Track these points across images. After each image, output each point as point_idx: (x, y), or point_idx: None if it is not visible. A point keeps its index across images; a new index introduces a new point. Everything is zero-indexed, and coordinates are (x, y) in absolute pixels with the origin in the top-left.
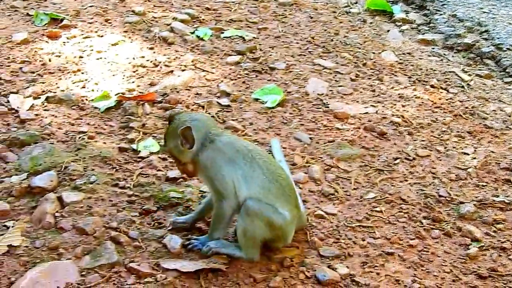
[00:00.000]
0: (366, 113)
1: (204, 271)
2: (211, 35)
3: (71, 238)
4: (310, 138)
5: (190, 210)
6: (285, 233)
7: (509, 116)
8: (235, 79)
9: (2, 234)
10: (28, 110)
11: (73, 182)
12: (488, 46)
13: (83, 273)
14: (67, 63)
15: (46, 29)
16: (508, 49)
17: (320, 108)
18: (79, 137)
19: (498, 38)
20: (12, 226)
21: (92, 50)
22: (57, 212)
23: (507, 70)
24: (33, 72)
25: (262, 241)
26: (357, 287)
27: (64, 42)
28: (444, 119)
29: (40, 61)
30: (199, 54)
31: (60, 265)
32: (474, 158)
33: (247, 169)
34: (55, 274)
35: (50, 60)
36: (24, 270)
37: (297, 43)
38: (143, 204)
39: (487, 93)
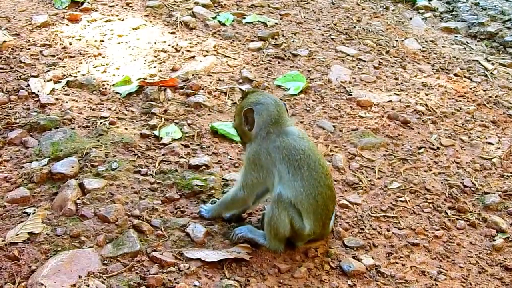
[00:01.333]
0: (390, 101)
1: (227, 260)
2: (233, 21)
3: (93, 226)
4: (334, 126)
5: (213, 197)
6: (299, 238)
7: None
8: (258, 65)
9: (22, 221)
10: (48, 94)
11: (95, 169)
12: None
13: (105, 261)
14: (87, 47)
15: (67, 12)
16: None
17: (343, 95)
18: (100, 123)
19: None
20: (33, 213)
21: (113, 34)
22: (78, 199)
23: None
24: (53, 56)
25: (284, 236)
26: (383, 278)
27: (84, 26)
28: (468, 108)
29: (60, 44)
30: (221, 39)
31: (82, 254)
32: (499, 148)
33: (289, 177)
34: (77, 263)
35: (70, 44)
36: (45, 258)
37: (320, 29)
38: (165, 191)
39: (511, 82)
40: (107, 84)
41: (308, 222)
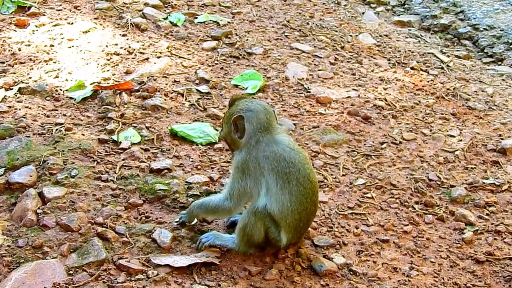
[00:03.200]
0: (349, 97)
1: (197, 265)
2: (184, 21)
3: (56, 235)
4: (294, 124)
5: (177, 202)
6: (271, 246)
7: (491, 97)
8: (213, 65)
9: None
10: (0, 102)
11: (54, 177)
12: (465, 27)
13: (71, 272)
14: (37, 52)
15: (13, 17)
16: (485, 29)
17: (301, 93)
18: (56, 129)
19: (474, 18)
20: None
21: (63, 38)
22: (38, 208)
23: (485, 51)
24: (2, 63)
25: (257, 243)
26: (355, 277)
27: (33, 31)
28: (427, 101)
29: (9, 50)
30: (173, 40)
31: (46, 265)
32: (461, 140)
33: (276, 190)
34: (41, 274)
35: (20, 50)
36: (7, 271)
37: (273, 27)
38: (128, 197)
39: (467, 74)
40: (60, 90)
41: (286, 235)
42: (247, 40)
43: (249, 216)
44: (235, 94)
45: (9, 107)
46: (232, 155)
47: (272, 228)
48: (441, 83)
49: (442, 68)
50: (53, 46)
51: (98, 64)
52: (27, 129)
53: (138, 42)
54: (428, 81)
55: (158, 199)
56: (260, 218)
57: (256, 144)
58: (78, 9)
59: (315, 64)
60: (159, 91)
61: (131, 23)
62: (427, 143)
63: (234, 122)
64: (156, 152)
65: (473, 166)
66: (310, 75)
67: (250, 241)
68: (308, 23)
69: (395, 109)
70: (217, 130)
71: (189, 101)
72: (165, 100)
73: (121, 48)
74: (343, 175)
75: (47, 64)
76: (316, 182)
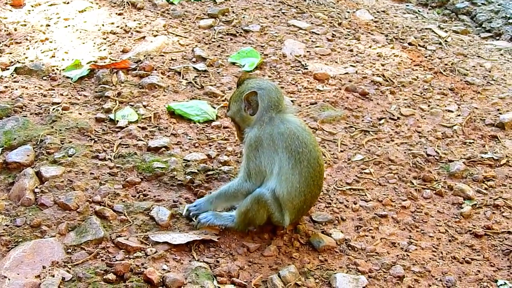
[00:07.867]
0: (346, 73)
1: (195, 242)
2: None
3: (54, 214)
4: (292, 101)
5: (175, 179)
6: (274, 224)
7: (489, 72)
8: (210, 43)
9: None
10: None
11: (51, 156)
12: (463, 2)
13: (69, 250)
14: (33, 32)
15: None
16: (482, 4)
17: (299, 69)
18: (53, 109)
19: None
20: None
21: (59, 17)
22: (36, 187)
23: (483, 25)
24: None
25: (257, 225)
26: (354, 252)
27: (29, 10)
28: (425, 76)
29: (5, 30)
30: (170, 18)
31: (44, 243)
32: (459, 115)
33: (287, 169)
34: (40, 253)
35: (15, 30)
36: (6, 250)
37: (270, 4)
38: (126, 175)
39: (465, 49)
40: (57, 69)
41: (290, 216)
42: (243, 17)
43: (252, 203)
44: (243, 73)
45: (6, 87)
46: (240, 140)
47: (275, 213)
48: (439, 58)
49: (440, 43)
50: (49, 25)
51: (94, 43)
52: (24, 109)
53: (134, 20)
54: (426, 57)
55: (156, 177)
56: (263, 205)
57: (270, 121)
58: None
59: (312, 41)
60: (156, 70)
61: (127, 2)
62: (425, 119)
63: (246, 98)
64: (154, 130)
65: (471, 141)
66: (307, 51)
67: (251, 224)
68: (305, 0)
69: (392, 85)
70: (214, 107)
71: (186, 79)
72: (162, 78)
73: (118, 27)
74: (341, 151)
75: (43, 43)
76: (323, 165)
